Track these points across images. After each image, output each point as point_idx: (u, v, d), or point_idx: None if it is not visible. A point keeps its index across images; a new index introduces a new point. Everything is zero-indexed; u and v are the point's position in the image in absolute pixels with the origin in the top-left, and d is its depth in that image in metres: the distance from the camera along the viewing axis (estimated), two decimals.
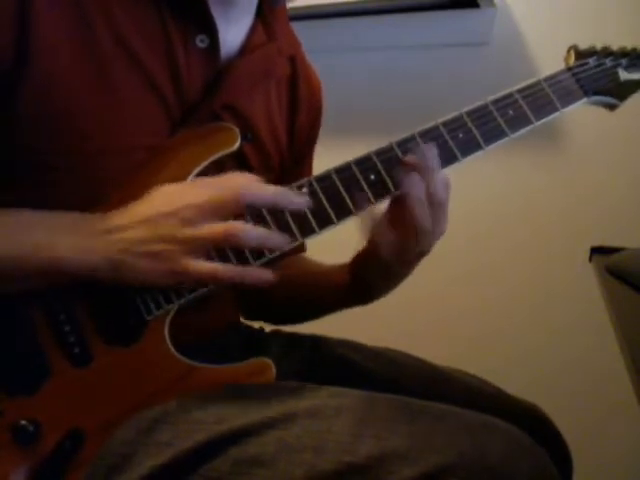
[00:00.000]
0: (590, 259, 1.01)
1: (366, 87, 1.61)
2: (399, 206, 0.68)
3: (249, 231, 0.61)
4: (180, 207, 0.60)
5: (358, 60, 1.61)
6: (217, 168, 0.70)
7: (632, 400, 0.62)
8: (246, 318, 0.95)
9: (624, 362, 0.68)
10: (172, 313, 0.66)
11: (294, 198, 0.65)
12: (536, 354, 1.48)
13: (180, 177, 0.66)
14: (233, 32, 0.74)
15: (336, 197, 0.68)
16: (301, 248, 0.93)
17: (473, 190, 1.52)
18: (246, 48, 0.75)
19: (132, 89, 0.65)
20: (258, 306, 0.93)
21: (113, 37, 0.64)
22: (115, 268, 0.61)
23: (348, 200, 0.68)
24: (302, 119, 0.86)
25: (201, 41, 0.69)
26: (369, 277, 0.78)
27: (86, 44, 0.63)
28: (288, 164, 0.85)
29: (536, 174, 1.50)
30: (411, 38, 1.56)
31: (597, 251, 1.01)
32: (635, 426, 1.27)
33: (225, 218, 0.61)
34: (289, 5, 0.84)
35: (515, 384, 0.87)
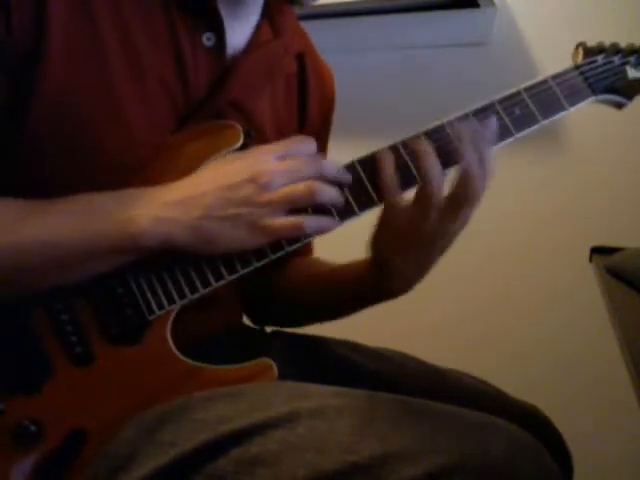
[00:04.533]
0: (590, 259, 1.02)
1: (366, 87, 1.60)
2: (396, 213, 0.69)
3: (325, 190, 0.65)
4: (255, 174, 0.63)
5: (358, 60, 1.61)
6: None
7: (632, 400, 0.62)
8: (255, 323, 0.94)
9: (624, 362, 0.68)
10: (174, 313, 0.66)
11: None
12: (536, 354, 1.48)
13: (184, 175, 0.66)
14: (240, 30, 0.74)
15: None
16: (309, 250, 0.92)
17: None
18: (252, 46, 0.75)
19: (136, 87, 0.66)
20: (273, 310, 0.93)
21: (118, 35, 0.64)
22: (198, 235, 0.62)
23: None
24: (313, 111, 0.85)
25: (208, 39, 0.70)
26: (387, 255, 0.73)
27: (90, 42, 0.63)
28: None
29: (536, 174, 1.50)
30: (411, 38, 1.56)
31: (597, 251, 1.01)
32: (635, 426, 1.27)
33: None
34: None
35: (515, 384, 0.87)
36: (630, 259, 0.94)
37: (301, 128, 0.85)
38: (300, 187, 0.64)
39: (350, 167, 0.69)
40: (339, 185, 0.68)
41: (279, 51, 0.79)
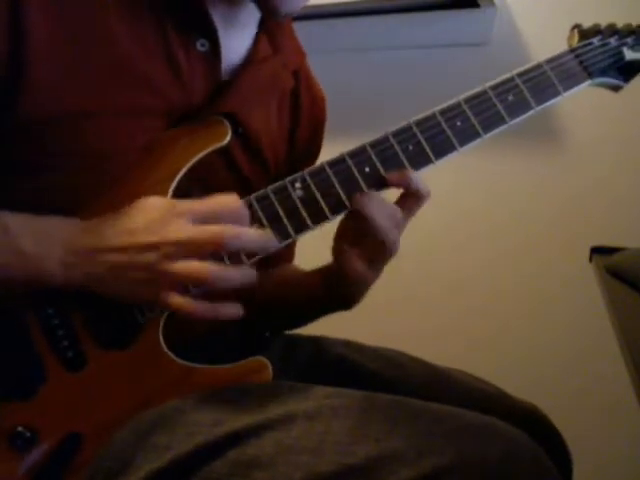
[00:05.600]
0: (590, 259, 1.02)
1: (366, 87, 1.61)
2: (360, 222, 0.68)
3: (222, 274, 0.62)
4: (161, 241, 0.61)
5: (358, 60, 1.61)
6: (208, 169, 0.70)
7: (632, 400, 0.62)
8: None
9: (624, 362, 0.68)
10: (166, 315, 0.66)
11: (274, 244, 0.65)
12: (536, 354, 1.48)
13: (171, 174, 0.66)
14: (236, 41, 0.73)
15: (330, 191, 0.67)
16: (289, 257, 0.91)
17: (472, 190, 1.52)
18: (251, 59, 0.74)
19: (126, 92, 0.65)
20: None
21: (103, 41, 0.64)
22: (97, 286, 0.62)
23: (343, 194, 0.67)
24: (302, 132, 0.85)
25: (202, 45, 0.69)
26: (341, 288, 0.76)
27: (73, 49, 0.62)
28: (284, 171, 0.85)
29: (536, 174, 1.50)
30: (411, 38, 1.56)
31: (597, 251, 1.01)
32: (635, 426, 1.27)
33: (204, 257, 0.61)
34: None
35: (515, 384, 0.87)
36: (630, 259, 0.93)
37: (291, 146, 0.84)
38: (199, 269, 0.61)
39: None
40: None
41: (278, 67, 0.78)
